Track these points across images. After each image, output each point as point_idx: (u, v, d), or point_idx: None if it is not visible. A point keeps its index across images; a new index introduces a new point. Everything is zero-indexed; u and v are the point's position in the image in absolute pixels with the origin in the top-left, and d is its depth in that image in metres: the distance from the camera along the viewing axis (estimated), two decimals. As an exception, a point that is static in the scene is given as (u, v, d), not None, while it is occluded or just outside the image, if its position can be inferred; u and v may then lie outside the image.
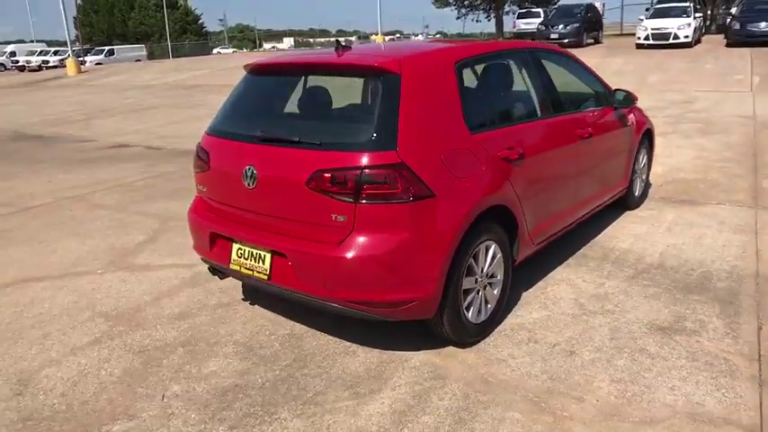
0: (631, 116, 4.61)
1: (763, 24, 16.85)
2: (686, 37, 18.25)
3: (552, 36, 22.08)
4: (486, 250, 2.89)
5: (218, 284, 3.75)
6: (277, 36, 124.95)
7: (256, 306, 3.47)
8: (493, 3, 37.90)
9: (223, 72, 22.11)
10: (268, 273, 2.76)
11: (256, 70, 3.15)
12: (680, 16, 18.90)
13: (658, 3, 23.83)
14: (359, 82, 3.02)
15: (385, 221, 2.47)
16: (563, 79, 3.95)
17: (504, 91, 3.38)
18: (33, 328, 3.34)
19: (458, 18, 43.17)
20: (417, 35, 77.71)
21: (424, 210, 2.51)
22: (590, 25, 23.23)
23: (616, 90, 4.35)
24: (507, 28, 36.29)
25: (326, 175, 2.49)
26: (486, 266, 2.91)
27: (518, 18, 29.19)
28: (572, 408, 2.44)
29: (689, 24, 18.35)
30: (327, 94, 2.91)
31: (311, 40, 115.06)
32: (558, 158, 3.49)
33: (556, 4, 37.30)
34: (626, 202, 4.80)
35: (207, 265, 3.30)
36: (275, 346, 3.02)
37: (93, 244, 4.68)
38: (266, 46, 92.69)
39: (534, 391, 2.56)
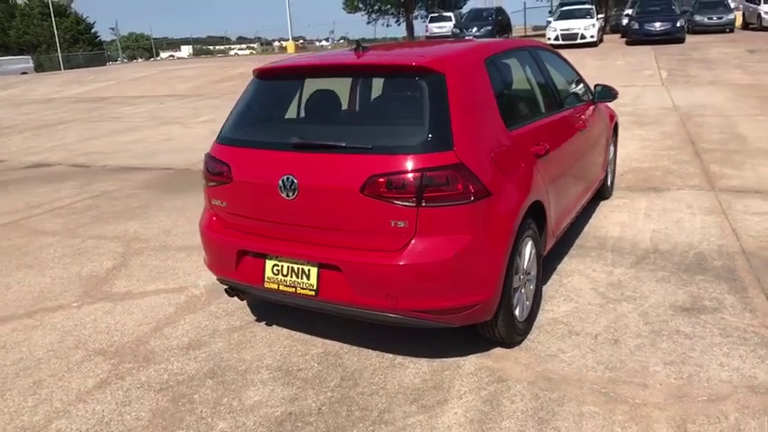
0: (606, 109, 4.81)
1: (657, 24, 18.44)
2: (592, 37, 19.56)
3: (467, 39, 22.84)
4: (525, 246, 2.87)
5: (220, 307, 3.47)
6: (174, 44, 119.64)
7: (274, 326, 3.22)
8: (403, 7, 38.57)
9: (132, 83, 20.84)
10: (315, 288, 2.56)
11: (269, 74, 2.93)
12: (584, 17, 20.21)
13: (560, 5, 25.38)
14: (389, 83, 2.89)
15: (448, 224, 2.37)
16: (556, 75, 4.04)
17: (523, 88, 3.40)
18: (18, 376, 2.90)
19: (368, 23, 43.54)
20: (321, 41, 77.71)
21: (483, 210, 2.44)
22: (501, 28, 24.27)
23: (596, 85, 4.51)
24: (418, 32, 37.12)
25: (384, 179, 2.35)
26: (526, 263, 2.89)
27: (430, 22, 29.94)
28: (641, 394, 2.47)
29: (593, 25, 19.69)
30: (362, 97, 2.76)
31: (211, 47, 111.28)
32: (569, 152, 3.55)
33: (462, 7, 38.67)
34: (602, 192, 4.99)
35: (224, 286, 3.03)
36: (314, 366, 2.82)
37: (53, 275, 4.18)
38: (163, 55, 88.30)
39: (598, 383, 2.56)
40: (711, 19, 21.81)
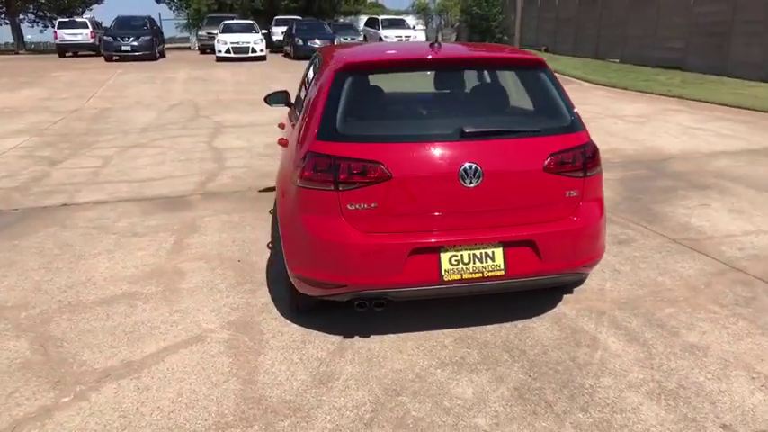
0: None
1: (318, 41, 20.84)
2: (261, 51, 20.68)
3: (124, 48, 20.95)
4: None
5: (272, 343, 3.01)
6: None
7: (372, 337, 3.02)
8: (7, 7, 31.96)
9: None
10: (503, 267, 2.67)
11: (365, 68, 2.76)
12: (249, 32, 21.13)
13: (213, 20, 25.75)
14: (504, 75, 3.08)
15: (595, 189, 2.87)
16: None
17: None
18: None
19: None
20: None
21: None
22: (157, 38, 23.06)
23: None
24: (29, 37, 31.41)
25: (559, 157, 2.69)
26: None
27: (59, 28, 25.93)
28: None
29: (261, 39, 20.82)
30: (491, 87, 2.91)
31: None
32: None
33: (82, 13, 34.59)
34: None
35: (357, 300, 2.72)
36: (470, 352, 2.87)
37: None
38: None
39: (646, 296, 3.48)
40: (345, 39, 25.79)
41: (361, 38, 27.11)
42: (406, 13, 39.78)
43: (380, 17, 28.74)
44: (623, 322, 3.14)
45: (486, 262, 2.68)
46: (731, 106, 10.52)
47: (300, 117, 3.10)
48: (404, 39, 26.60)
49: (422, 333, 3.06)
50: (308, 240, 2.70)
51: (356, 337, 3.03)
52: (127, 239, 4.54)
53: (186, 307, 3.40)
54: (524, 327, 3.11)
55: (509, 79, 3.05)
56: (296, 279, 2.87)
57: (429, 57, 2.93)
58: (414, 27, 28.46)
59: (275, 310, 3.34)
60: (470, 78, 3.08)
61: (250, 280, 3.77)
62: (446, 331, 3.07)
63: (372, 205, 2.60)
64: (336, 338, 3.03)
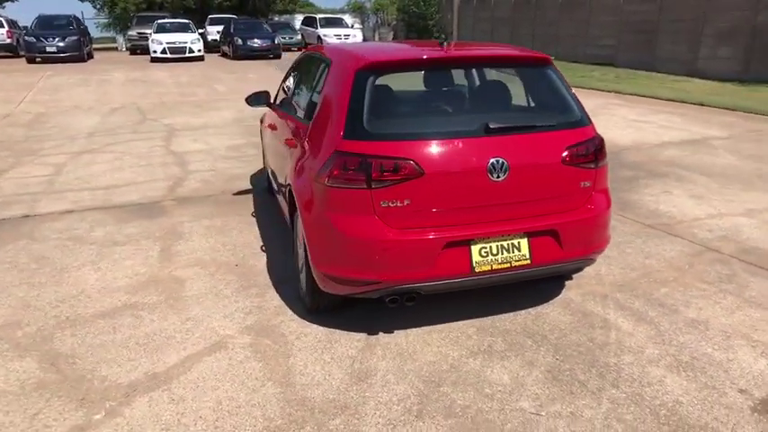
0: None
1: (258, 41, 20.47)
2: (199, 51, 20.08)
3: (49, 49, 19.74)
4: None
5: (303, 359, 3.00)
6: None
7: (396, 332, 3.06)
8: None
9: None
10: (528, 256, 2.78)
11: (385, 67, 2.80)
12: (186, 32, 20.45)
13: (138, 20, 24.72)
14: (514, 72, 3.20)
15: (605, 180, 3.04)
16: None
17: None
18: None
19: None
20: None
21: (607, 168, 3.20)
22: (84, 38, 21.87)
23: None
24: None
25: (576, 149, 2.83)
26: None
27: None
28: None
29: (198, 39, 20.19)
30: (503, 83, 3.00)
31: None
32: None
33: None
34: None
35: (389, 296, 2.75)
36: (494, 341, 2.97)
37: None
38: None
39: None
40: (284, 39, 25.46)
41: (299, 37, 26.87)
42: (342, 11, 39.76)
43: (318, 16, 28.59)
44: (626, 303, 3.34)
45: (513, 252, 2.79)
46: (665, 99, 11.26)
47: (314, 117, 3.09)
48: (343, 38, 26.60)
49: (443, 325, 3.14)
50: (339, 239, 2.71)
51: (380, 334, 3.06)
52: (108, 249, 4.34)
53: (197, 314, 3.31)
54: (538, 313, 3.25)
55: (519, 76, 3.17)
56: (323, 278, 2.87)
57: (448, 55, 3.00)
58: (352, 26, 28.51)
59: (290, 312, 3.32)
60: (481, 75, 3.19)
61: (254, 284, 3.71)
62: (466, 322, 3.16)
63: (405, 202, 2.64)
64: (361, 336, 3.05)
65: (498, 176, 2.69)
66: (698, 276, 3.68)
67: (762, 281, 3.60)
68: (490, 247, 2.76)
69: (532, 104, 3.12)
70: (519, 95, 3.12)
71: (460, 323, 3.15)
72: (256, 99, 4.90)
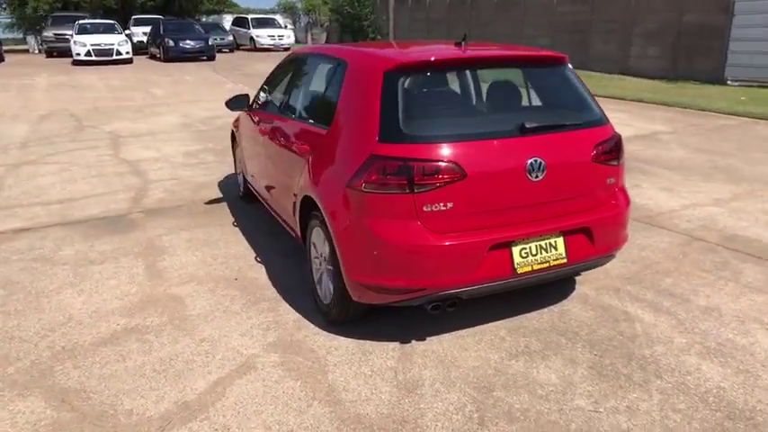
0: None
1: (191, 42, 19.67)
2: (127, 53, 19.04)
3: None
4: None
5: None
6: None
7: (429, 340, 2.99)
8: None
9: None
10: (565, 255, 2.79)
11: (415, 68, 2.73)
12: (112, 33, 19.33)
13: (53, 20, 23.19)
14: (532, 71, 3.19)
15: (623, 176, 3.10)
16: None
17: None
18: None
19: None
20: None
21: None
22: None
23: None
24: None
25: (602, 147, 2.87)
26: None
27: None
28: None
29: (127, 41, 19.13)
30: (511, 84, 3.00)
31: None
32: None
33: None
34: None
35: (432, 302, 2.67)
36: (530, 342, 2.96)
37: None
38: None
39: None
40: (215, 40, 24.66)
41: (230, 38, 26.11)
42: (273, 12, 38.96)
43: (250, 16, 27.88)
44: (639, 295, 3.44)
45: (551, 252, 2.79)
46: (605, 97, 11.80)
47: (334, 120, 2.96)
48: (277, 38, 26.13)
49: (473, 329, 3.10)
50: (380, 246, 2.60)
51: (414, 342, 2.98)
52: (85, 269, 3.99)
53: (210, 335, 3.09)
54: (561, 310, 3.28)
55: (536, 76, 3.18)
56: (359, 288, 2.75)
57: (476, 55, 2.98)
58: (285, 26, 28.04)
59: (311, 325, 3.17)
60: (498, 76, 3.17)
61: (262, 297, 3.52)
62: (495, 324, 3.14)
63: (448, 205, 2.57)
64: (394, 345, 2.95)
65: (537, 176, 2.68)
66: (695, 265, 3.85)
67: (752, 267, 3.82)
68: (530, 247, 2.75)
69: (558, 103, 3.15)
70: (540, 95, 3.14)
71: (489, 325, 3.13)
72: (237, 102, 4.67)
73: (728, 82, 13.18)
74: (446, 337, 3.02)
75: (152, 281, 3.79)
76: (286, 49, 27.15)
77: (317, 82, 3.46)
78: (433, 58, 2.82)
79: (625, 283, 3.61)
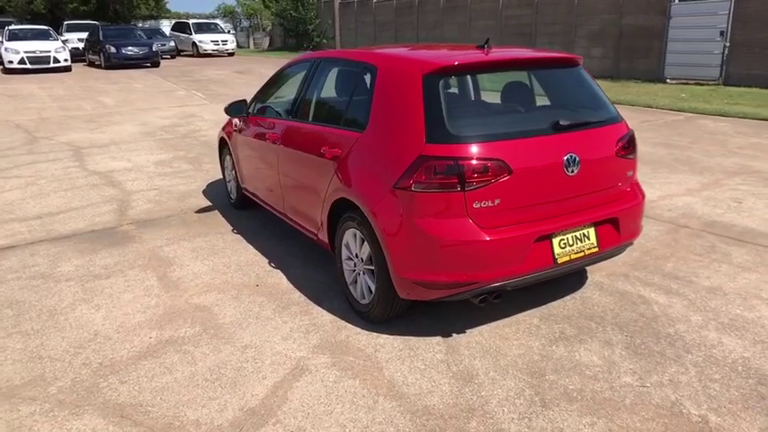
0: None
1: (134, 48, 18.97)
2: (66, 60, 18.13)
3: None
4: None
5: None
6: None
7: (464, 333, 3.10)
8: None
9: None
10: (596, 244, 2.98)
11: (455, 70, 2.87)
12: (47, 39, 18.37)
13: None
14: (551, 72, 3.36)
15: (637, 169, 3.33)
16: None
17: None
18: None
19: None
20: None
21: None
22: None
23: None
24: None
25: (623, 142, 3.09)
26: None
27: None
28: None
29: (64, 48, 18.22)
30: (527, 85, 3.18)
31: None
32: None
33: None
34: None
35: (480, 295, 2.79)
36: (564, 327, 3.13)
37: None
38: None
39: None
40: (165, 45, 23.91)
41: (172, 43, 25.36)
42: (213, 16, 38.07)
43: (191, 21, 27.17)
44: (648, 280, 3.69)
45: (585, 242, 2.97)
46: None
47: (370, 123, 3.03)
48: (221, 43, 25.62)
49: (507, 319, 3.24)
50: (433, 244, 2.69)
51: (455, 335, 3.09)
52: (92, 284, 3.86)
53: (252, 341, 3.08)
54: (582, 297, 3.48)
55: (556, 76, 3.36)
56: (410, 285, 2.83)
57: (507, 57, 3.16)
58: (228, 31, 27.53)
59: (349, 325, 3.22)
60: (520, 77, 3.33)
61: (291, 302, 3.53)
62: (526, 313, 3.29)
63: (496, 202, 2.70)
64: (437, 339, 3.05)
65: (572, 171, 2.85)
66: (688, 250, 4.17)
67: (738, 249, 4.17)
68: (567, 238, 2.92)
69: (578, 102, 3.33)
70: (561, 95, 3.34)
71: (521, 315, 3.28)
72: (236, 108, 4.64)
73: (668, 80, 14.09)
74: (485, 328, 3.15)
75: (170, 292, 3.72)
76: (230, 54, 26.71)
77: (342, 86, 3.51)
78: (467, 61, 2.95)
79: (631, 269, 3.86)
